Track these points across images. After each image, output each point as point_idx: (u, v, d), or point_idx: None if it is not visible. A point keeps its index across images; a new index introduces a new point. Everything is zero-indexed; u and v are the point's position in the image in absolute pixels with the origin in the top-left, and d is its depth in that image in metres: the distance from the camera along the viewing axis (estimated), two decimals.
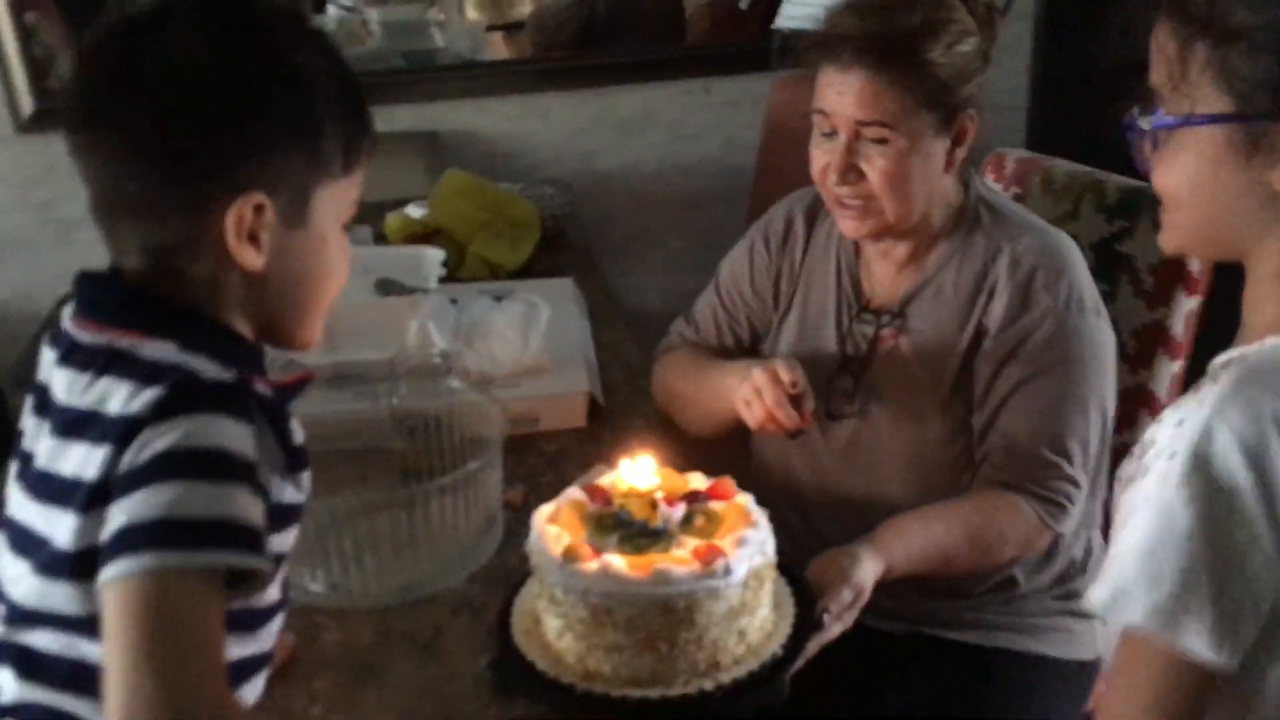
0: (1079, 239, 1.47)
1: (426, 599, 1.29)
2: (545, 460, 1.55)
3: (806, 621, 1.19)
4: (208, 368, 0.88)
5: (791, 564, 1.22)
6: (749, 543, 1.13)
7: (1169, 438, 0.91)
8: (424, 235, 2.17)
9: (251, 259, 0.90)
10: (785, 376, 1.35)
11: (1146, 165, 0.98)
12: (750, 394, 1.37)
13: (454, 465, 1.53)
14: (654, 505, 1.18)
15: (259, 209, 0.89)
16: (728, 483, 1.23)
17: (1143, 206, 1.60)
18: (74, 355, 0.91)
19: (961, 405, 1.42)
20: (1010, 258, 1.40)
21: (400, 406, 1.52)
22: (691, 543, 1.14)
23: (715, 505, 1.21)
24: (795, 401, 1.35)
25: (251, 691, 0.97)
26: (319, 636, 1.23)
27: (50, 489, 0.88)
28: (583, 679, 1.12)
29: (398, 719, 1.12)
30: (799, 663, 1.16)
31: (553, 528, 1.17)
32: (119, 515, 0.81)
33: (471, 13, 3.58)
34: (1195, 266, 1.56)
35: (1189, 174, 0.95)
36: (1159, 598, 0.88)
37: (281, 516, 0.92)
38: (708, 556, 1.11)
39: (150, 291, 0.91)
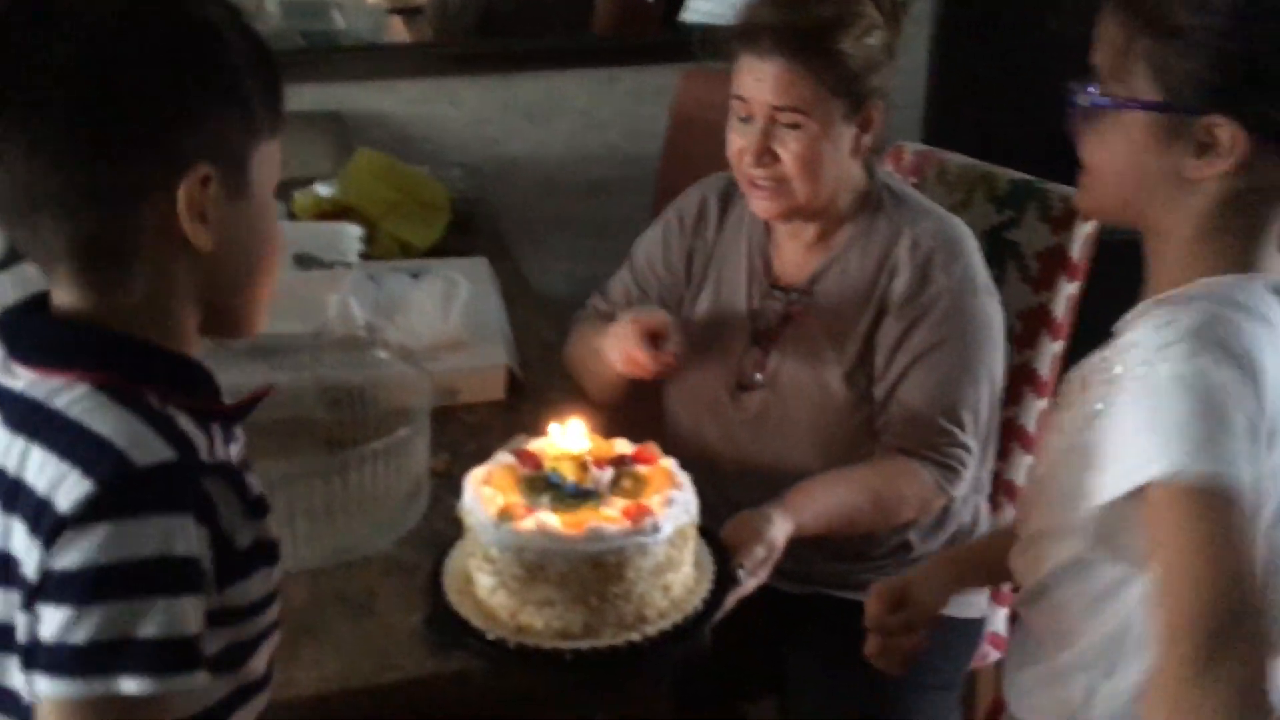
0: (971, 227, 1.57)
1: (358, 562, 1.32)
2: (467, 430, 1.59)
3: (724, 579, 1.26)
4: (142, 442, 0.80)
5: (709, 527, 1.30)
6: (675, 502, 1.20)
7: (1155, 341, 0.97)
8: (334, 213, 2.18)
9: (205, 239, 0.85)
10: (642, 322, 1.47)
11: (1076, 134, 1.07)
12: (614, 339, 1.47)
13: (378, 436, 1.56)
14: (584, 467, 1.24)
15: (205, 181, 0.84)
16: (652, 448, 1.29)
17: (1029, 198, 1.71)
18: (3, 407, 0.85)
19: (864, 376, 1.51)
20: (910, 240, 1.50)
21: (324, 378, 1.55)
22: (620, 503, 1.21)
23: (641, 469, 1.27)
24: (657, 346, 1.45)
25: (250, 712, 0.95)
26: None
27: None
28: (515, 633, 1.17)
29: (337, 673, 1.16)
30: (718, 615, 1.23)
31: (487, 489, 1.22)
32: (50, 623, 0.78)
33: None
34: (1076, 253, 1.68)
35: (1114, 151, 1.05)
36: (1197, 442, 0.92)
37: (256, 558, 0.90)
38: (637, 515, 1.17)
39: (81, 316, 0.85)
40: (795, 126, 1.43)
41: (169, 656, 0.79)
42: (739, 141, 1.48)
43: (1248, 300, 1.00)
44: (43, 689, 0.78)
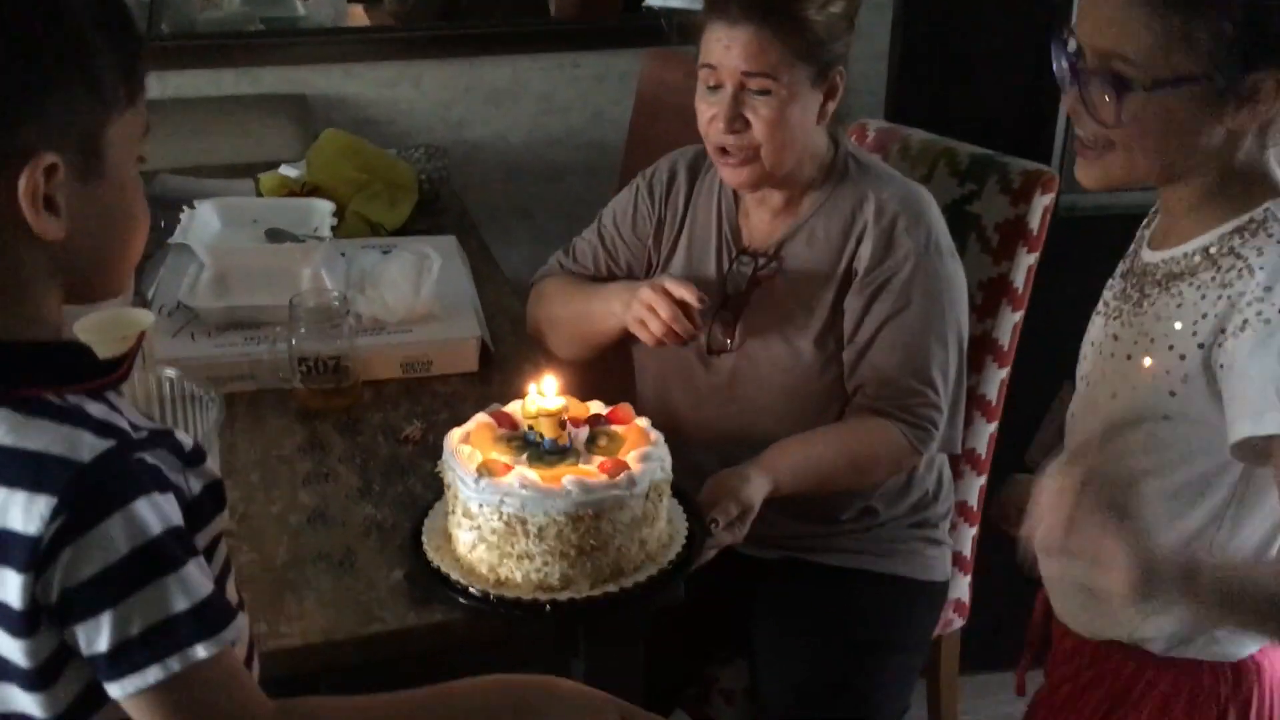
0: None
1: (335, 522, 1.34)
2: (440, 400, 1.61)
3: (698, 535, 1.29)
4: (74, 442, 0.79)
5: (681, 487, 1.32)
6: (650, 458, 1.23)
7: None
8: (301, 194, 2.18)
9: (54, 229, 0.80)
10: (676, 292, 1.48)
11: (1106, 114, 1.12)
12: (644, 312, 1.49)
13: (351, 406, 1.58)
14: (562, 425, 1.26)
15: (50, 170, 0.79)
16: (627, 408, 1.32)
17: (990, 171, 1.76)
18: None
19: (833, 340, 1.55)
20: (875, 205, 1.54)
21: (297, 348, 1.56)
22: (597, 460, 1.23)
23: (616, 428, 1.30)
24: (686, 312, 1.48)
25: None
26: (235, 557, 1.26)
27: None
28: (495, 587, 1.20)
29: (322, 625, 1.17)
30: (693, 568, 1.26)
31: (466, 447, 1.24)
32: (98, 639, 0.79)
33: None
34: (1035, 225, 1.72)
35: (1159, 126, 1.12)
36: None
37: (208, 503, 0.89)
38: (614, 469, 1.20)
39: None
40: (764, 92, 1.46)
41: (209, 616, 0.81)
42: (709, 110, 1.51)
43: None
44: (131, 688, 0.80)
